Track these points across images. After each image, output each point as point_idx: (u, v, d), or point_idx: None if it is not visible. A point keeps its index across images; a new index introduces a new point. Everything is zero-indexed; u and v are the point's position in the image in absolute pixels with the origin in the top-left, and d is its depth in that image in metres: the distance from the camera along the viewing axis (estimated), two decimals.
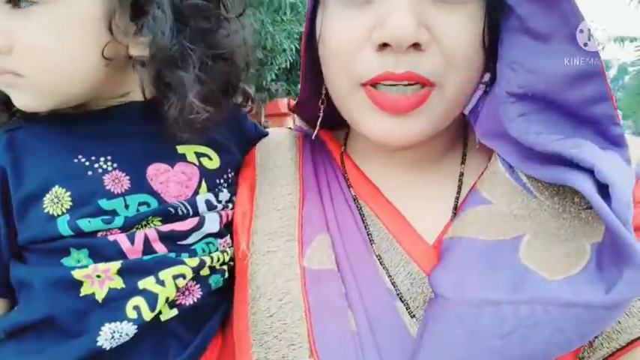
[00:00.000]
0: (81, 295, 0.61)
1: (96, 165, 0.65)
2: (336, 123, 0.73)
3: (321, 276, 0.63)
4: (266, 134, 0.85)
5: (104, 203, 0.63)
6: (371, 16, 0.58)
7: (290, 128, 0.85)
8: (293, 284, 0.63)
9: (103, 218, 0.63)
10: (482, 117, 0.67)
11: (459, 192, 0.69)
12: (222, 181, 0.74)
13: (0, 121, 0.67)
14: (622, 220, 0.50)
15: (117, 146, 0.66)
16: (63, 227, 0.62)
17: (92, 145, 0.66)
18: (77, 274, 0.61)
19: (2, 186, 0.64)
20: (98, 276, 0.61)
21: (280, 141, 0.80)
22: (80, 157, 0.65)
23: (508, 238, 0.58)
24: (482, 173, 0.67)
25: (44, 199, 0.63)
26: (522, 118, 0.60)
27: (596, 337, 0.58)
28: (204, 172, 0.71)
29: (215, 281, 0.69)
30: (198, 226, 0.68)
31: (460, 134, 0.74)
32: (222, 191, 0.73)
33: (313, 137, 0.77)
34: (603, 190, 0.53)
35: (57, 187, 0.63)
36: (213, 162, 0.73)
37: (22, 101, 0.63)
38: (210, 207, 0.70)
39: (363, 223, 0.69)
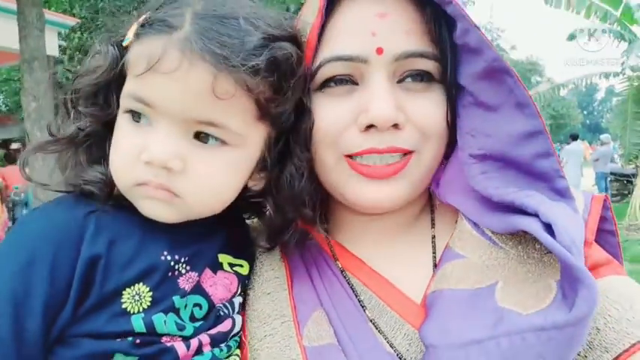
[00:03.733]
0: None
1: (177, 266, 0.70)
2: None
3: (323, 352, 0.69)
4: None
5: (177, 300, 0.68)
6: (354, 103, 0.72)
7: None
8: None
9: (177, 323, 0.67)
10: (445, 180, 0.79)
11: (434, 252, 0.79)
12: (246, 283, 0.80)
13: (99, 200, 0.69)
14: (567, 249, 0.60)
15: (192, 248, 0.73)
16: (137, 324, 0.65)
17: (174, 243, 0.71)
18: None
19: (89, 274, 0.63)
20: None
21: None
22: (165, 253, 0.69)
23: (484, 286, 0.68)
24: (452, 234, 0.77)
25: (124, 292, 0.65)
26: (483, 175, 0.72)
27: None
28: (240, 278, 0.78)
29: None
30: (233, 327, 0.74)
31: (427, 202, 0.85)
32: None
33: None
34: (550, 230, 0.63)
35: (141, 284, 0.66)
36: (244, 269, 0.80)
37: (161, 213, 0.68)
38: (239, 309, 0.77)
39: (353, 292, 0.76)
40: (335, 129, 0.73)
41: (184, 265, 0.72)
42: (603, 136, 14.82)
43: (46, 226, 0.67)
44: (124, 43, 0.70)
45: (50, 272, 0.63)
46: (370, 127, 0.71)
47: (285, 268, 0.81)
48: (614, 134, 14.93)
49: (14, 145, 10.69)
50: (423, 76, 0.74)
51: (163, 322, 0.67)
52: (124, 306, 0.65)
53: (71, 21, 9.48)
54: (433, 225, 0.83)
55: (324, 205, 0.82)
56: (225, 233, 0.80)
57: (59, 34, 9.23)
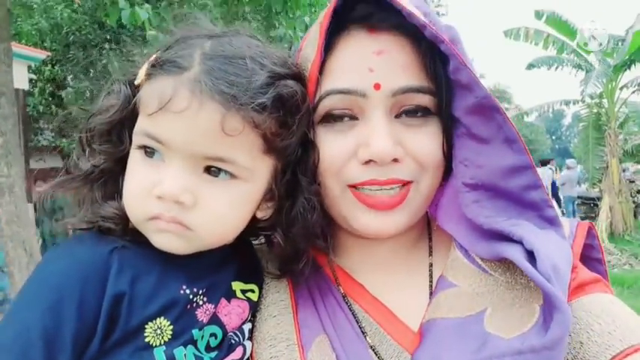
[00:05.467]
0: None
1: (195, 298, 0.72)
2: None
3: None
4: None
5: (196, 333, 0.71)
6: (354, 138, 0.75)
7: None
8: None
9: (196, 355, 0.70)
10: (442, 204, 0.84)
11: (431, 280, 0.82)
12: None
13: (115, 235, 0.72)
14: (546, 277, 0.63)
15: (208, 280, 0.76)
16: (160, 357, 0.67)
17: (192, 276, 0.74)
18: None
19: (114, 310, 0.66)
20: None
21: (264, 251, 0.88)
22: (184, 287, 0.72)
23: (474, 313, 0.71)
24: (446, 263, 0.81)
25: (146, 327, 0.68)
26: (476, 204, 0.76)
27: None
28: (251, 305, 0.81)
29: None
30: (245, 353, 0.77)
31: (425, 231, 0.90)
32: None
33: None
34: (533, 256, 0.67)
35: (162, 318, 0.69)
36: (255, 294, 0.82)
37: (173, 245, 0.71)
38: (249, 335, 0.79)
39: (355, 319, 0.79)
40: (337, 161, 0.76)
41: (202, 297, 0.74)
42: (569, 161, 15.31)
43: (71, 264, 0.68)
44: (136, 82, 0.73)
45: (78, 309, 0.65)
46: (370, 161, 0.74)
47: (289, 291, 0.84)
48: (579, 158, 15.49)
49: None
50: (419, 111, 0.77)
51: (183, 355, 0.69)
52: (146, 340, 0.68)
53: (42, 54, 9.43)
54: (431, 253, 0.87)
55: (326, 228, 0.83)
56: (237, 260, 0.82)
57: (29, 67, 9.15)
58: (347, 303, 0.81)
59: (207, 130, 0.66)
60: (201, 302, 0.73)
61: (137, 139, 0.71)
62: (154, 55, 0.73)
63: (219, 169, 0.70)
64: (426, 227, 0.90)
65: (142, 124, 0.71)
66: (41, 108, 11.97)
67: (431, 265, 0.85)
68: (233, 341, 0.76)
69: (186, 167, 0.68)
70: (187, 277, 0.74)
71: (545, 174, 13.57)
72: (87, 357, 0.66)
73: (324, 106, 0.77)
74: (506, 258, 0.72)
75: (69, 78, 11.96)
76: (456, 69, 0.73)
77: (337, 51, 0.78)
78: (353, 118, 0.77)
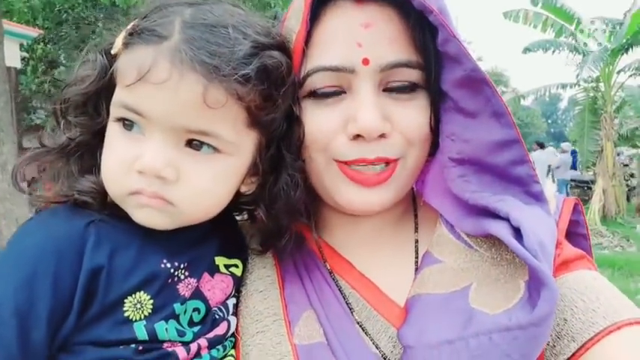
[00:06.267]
0: None
1: (176, 273, 0.71)
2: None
3: (313, 350, 0.73)
4: None
5: (178, 307, 0.70)
6: (343, 111, 0.74)
7: None
8: None
9: (178, 329, 0.70)
10: (428, 179, 0.83)
11: (417, 256, 0.82)
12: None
13: (91, 209, 0.70)
14: (532, 253, 0.64)
15: (189, 254, 0.74)
16: (140, 331, 0.66)
17: (173, 250, 0.72)
18: None
19: (91, 285, 0.65)
20: None
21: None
22: (165, 261, 0.71)
23: (458, 289, 0.71)
24: (431, 239, 0.80)
25: (125, 301, 0.67)
26: (462, 179, 0.76)
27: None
28: (235, 280, 0.80)
29: None
30: (228, 329, 0.76)
31: (410, 207, 0.89)
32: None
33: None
34: (520, 233, 0.67)
35: (142, 292, 0.68)
36: (239, 269, 0.82)
37: (155, 221, 0.69)
38: (233, 310, 0.79)
39: (342, 294, 0.79)
40: (325, 136, 0.75)
41: (183, 271, 0.73)
42: (564, 144, 15.34)
43: (46, 238, 0.66)
44: (113, 52, 0.69)
45: (53, 284, 0.64)
46: (358, 136, 0.73)
47: (275, 267, 0.84)
48: (573, 142, 15.50)
49: None
50: (407, 86, 0.76)
51: (165, 329, 0.69)
52: (126, 314, 0.67)
53: (34, 32, 9.31)
54: (416, 229, 0.87)
55: (311, 205, 0.82)
56: (220, 235, 0.81)
57: (21, 45, 9.05)
58: (334, 279, 0.81)
59: (188, 103, 0.64)
60: (182, 276, 0.72)
61: (115, 111, 0.68)
62: (132, 23, 0.69)
63: (202, 143, 0.68)
64: (412, 203, 0.90)
65: (119, 96, 0.67)
66: (34, 87, 11.84)
67: (416, 241, 0.85)
68: (217, 316, 0.76)
69: (167, 141, 0.66)
70: (168, 251, 0.72)
71: (542, 157, 13.51)
72: (63, 333, 0.65)
73: (311, 82, 0.75)
74: (492, 234, 0.72)
75: (62, 56, 11.82)
76: (444, 40, 0.72)
77: (323, 22, 0.75)
78: (341, 92, 0.75)
